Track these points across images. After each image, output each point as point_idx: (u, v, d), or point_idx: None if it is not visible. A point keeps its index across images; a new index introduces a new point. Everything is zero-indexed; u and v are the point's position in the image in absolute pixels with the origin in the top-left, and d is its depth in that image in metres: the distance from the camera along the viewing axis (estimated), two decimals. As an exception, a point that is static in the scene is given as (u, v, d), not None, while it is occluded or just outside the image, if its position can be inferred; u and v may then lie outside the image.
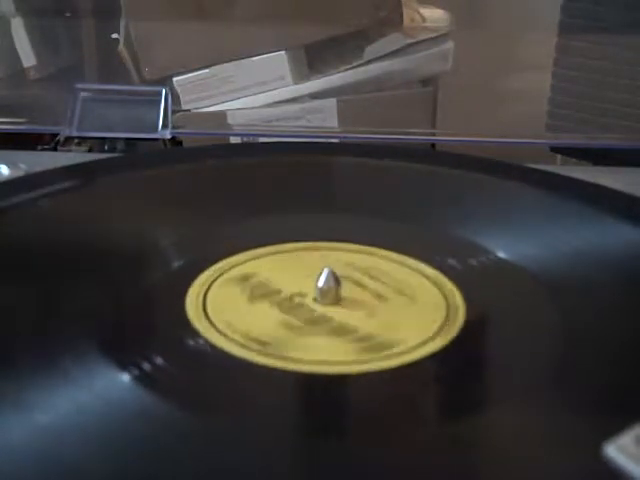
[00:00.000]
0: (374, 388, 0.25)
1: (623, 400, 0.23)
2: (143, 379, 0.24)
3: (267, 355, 0.26)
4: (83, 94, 0.50)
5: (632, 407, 0.23)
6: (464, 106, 0.65)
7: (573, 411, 0.24)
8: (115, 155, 0.47)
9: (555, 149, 0.58)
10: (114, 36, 0.64)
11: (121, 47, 0.63)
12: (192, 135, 0.53)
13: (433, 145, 0.55)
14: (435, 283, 0.31)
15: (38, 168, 0.40)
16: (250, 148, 0.51)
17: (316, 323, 0.28)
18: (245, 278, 0.31)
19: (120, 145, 0.49)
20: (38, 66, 0.66)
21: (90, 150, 0.48)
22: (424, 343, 0.27)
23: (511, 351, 0.27)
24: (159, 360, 0.25)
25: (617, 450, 0.21)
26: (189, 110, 0.63)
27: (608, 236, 0.34)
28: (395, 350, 0.26)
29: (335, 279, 0.29)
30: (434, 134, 0.62)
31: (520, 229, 0.35)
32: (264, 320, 0.28)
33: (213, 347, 0.26)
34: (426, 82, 0.66)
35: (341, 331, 0.28)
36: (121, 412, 0.23)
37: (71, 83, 0.51)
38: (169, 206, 0.37)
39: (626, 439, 0.21)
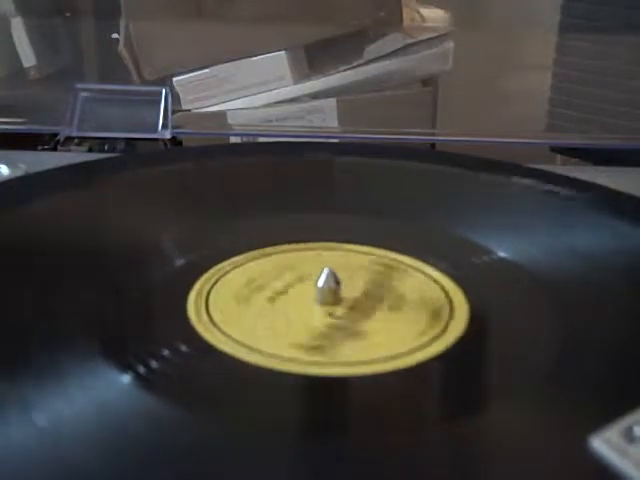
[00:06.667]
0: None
1: (623, 399, 0.23)
2: (144, 380, 0.24)
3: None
4: (83, 94, 0.50)
5: (631, 405, 0.23)
6: (464, 106, 0.65)
7: (571, 410, 0.24)
8: (115, 155, 0.47)
9: (555, 149, 0.58)
10: (114, 36, 0.64)
11: (121, 47, 0.63)
12: (192, 135, 0.53)
13: (433, 145, 0.55)
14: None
15: (38, 168, 0.40)
16: (250, 148, 0.51)
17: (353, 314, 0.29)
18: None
19: (120, 145, 0.49)
20: (38, 66, 0.66)
21: (90, 150, 0.48)
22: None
23: (514, 350, 0.27)
24: (162, 361, 0.25)
25: (603, 442, 0.21)
26: (189, 110, 0.63)
27: (608, 236, 0.34)
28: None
29: (335, 279, 0.29)
30: (434, 134, 0.62)
31: (520, 229, 0.35)
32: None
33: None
34: (426, 82, 0.66)
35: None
36: (122, 413, 0.23)
37: (71, 83, 0.51)
38: (169, 206, 0.37)
39: (612, 432, 0.21)
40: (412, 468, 0.21)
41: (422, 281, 0.31)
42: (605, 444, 0.21)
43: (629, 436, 0.21)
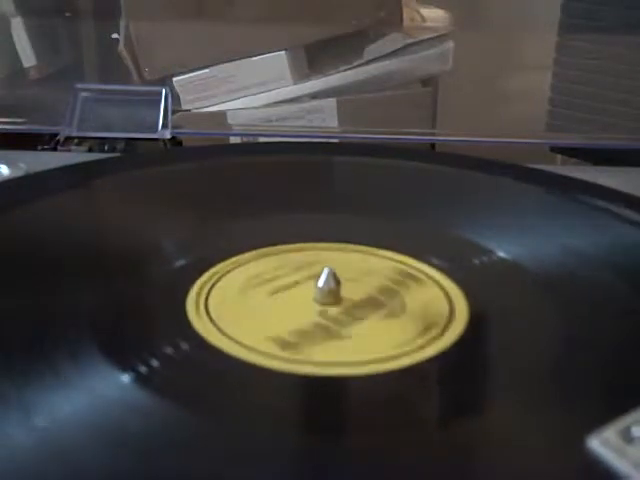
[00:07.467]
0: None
1: (621, 400, 0.23)
2: (144, 379, 0.24)
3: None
4: (83, 94, 0.50)
5: (631, 403, 0.23)
6: (464, 106, 0.65)
7: (570, 410, 0.24)
8: (115, 155, 0.47)
9: (555, 149, 0.58)
10: (114, 36, 0.64)
11: (121, 47, 0.63)
12: (192, 135, 0.53)
13: (433, 145, 0.55)
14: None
15: (38, 168, 0.40)
16: (250, 148, 0.51)
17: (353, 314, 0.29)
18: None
19: (120, 145, 0.49)
20: (38, 66, 0.66)
21: (90, 150, 0.48)
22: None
23: (513, 350, 0.27)
24: (160, 361, 0.25)
25: (601, 443, 0.21)
26: (189, 110, 0.63)
27: (608, 236, 0.34)
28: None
29: (335, 279, 0.29)
30: (434, 134, 0.62)
31: (520, 229, 0.35)
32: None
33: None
34: (426, 82, 0.66)
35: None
36: (122, 412, 0.23)
37: (71, 83, 0.51)
38: (169, 206, 0.37)
39: (610, 432, 0.21)
40: (412, 469, 0.21)
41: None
42: (603, 444, 0.21)
43: (627, 436, 0.21)
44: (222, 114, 0.62)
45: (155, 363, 0.25)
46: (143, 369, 0.25)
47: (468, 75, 0.67)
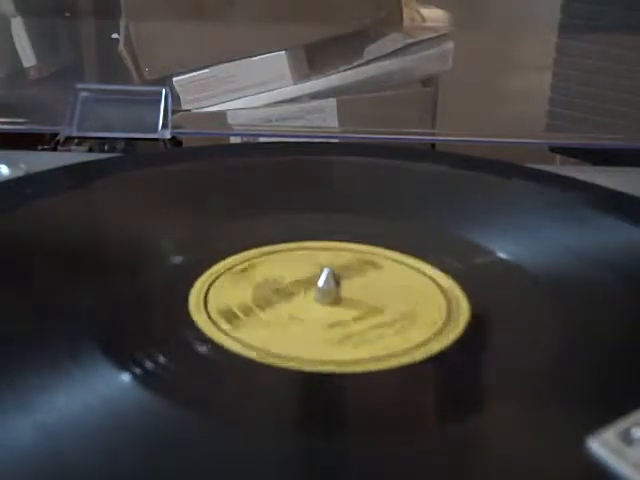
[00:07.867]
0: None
1: (621, 401, 0.23)
2: (144, 378, 0.24)
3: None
4: (83, 94, 0.50)
5: (630, 405, 0.23)
6: (464, 106, 0.65)
7: (569, 411, 0.24)
8: (115, 155, 0.47)
9: (555, 149, 0.58)
10: (114, 36, 0.64)
11: (121, 47, 0.63)
12: (192, 135, 0.53)
13: (433, 145, 0.55)
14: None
15: (38, 168, 0.40)
16: (250, 148, 0.51)
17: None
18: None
19: (120, 145, 0.49)
20: (38, 66, 0.66)
21: (90, 150, 0.49)
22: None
23: (512, 351, 0.27)
24: (164, 360, 0.25)
25: (600, 444, 0.21)
26: (189, 110, 0.63)
27: (608, 236, 0.34)
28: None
29: (335, 279, 0.29)
30: (434, 134, 0.62)
31: (520, 229, 0.35)
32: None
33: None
34: (426, 82, 0.66)
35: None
36: (122, 412, 0.23)
37: (71, 83, 0.51)
38: (169, 206, 0.37)
39: (609, 433, 0.21)
40: (411, 468, 0.21)
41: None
42: (603, 446, 0.21)
43: (627, 438, 0.21)
44: (222, 114, 0.62)
45: (156, 362, 0.25)
46: (144, 368, 0.25)
47: (468, 75, 0.67)
